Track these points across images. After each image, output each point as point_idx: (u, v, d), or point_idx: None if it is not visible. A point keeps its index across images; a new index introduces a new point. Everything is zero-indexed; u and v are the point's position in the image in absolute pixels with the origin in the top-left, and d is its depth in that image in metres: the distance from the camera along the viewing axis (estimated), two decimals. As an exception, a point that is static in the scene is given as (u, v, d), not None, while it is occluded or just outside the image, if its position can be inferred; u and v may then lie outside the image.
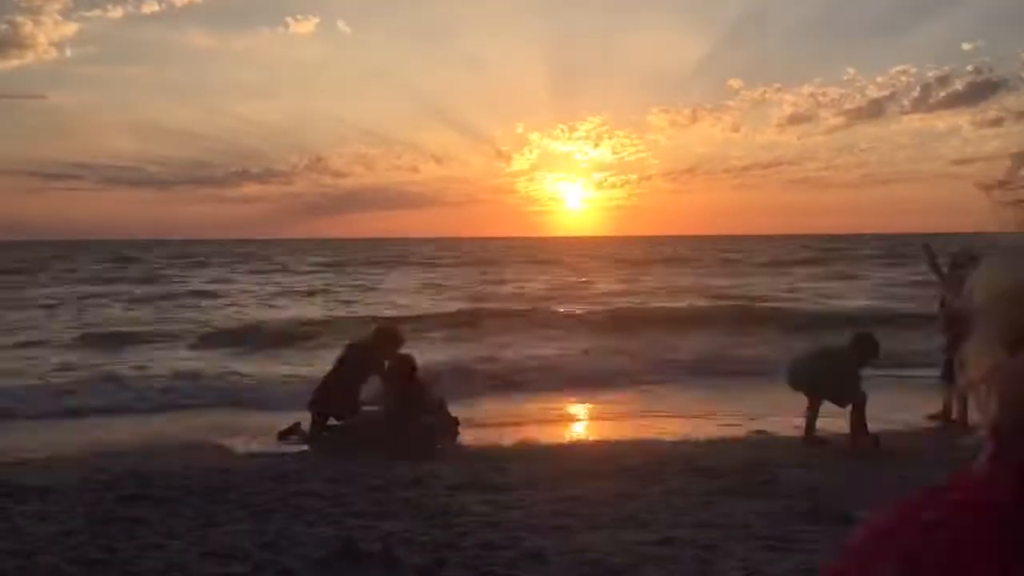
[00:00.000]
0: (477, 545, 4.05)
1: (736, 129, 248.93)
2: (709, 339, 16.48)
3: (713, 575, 3.63)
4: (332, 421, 7.36)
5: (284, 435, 7.41)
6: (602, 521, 4.51)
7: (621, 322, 18.99)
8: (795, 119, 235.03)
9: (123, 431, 8.03)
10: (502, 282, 31.98)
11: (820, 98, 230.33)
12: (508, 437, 7.35)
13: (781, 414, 8.98)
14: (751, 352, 14.20)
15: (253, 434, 7.77)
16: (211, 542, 4.17)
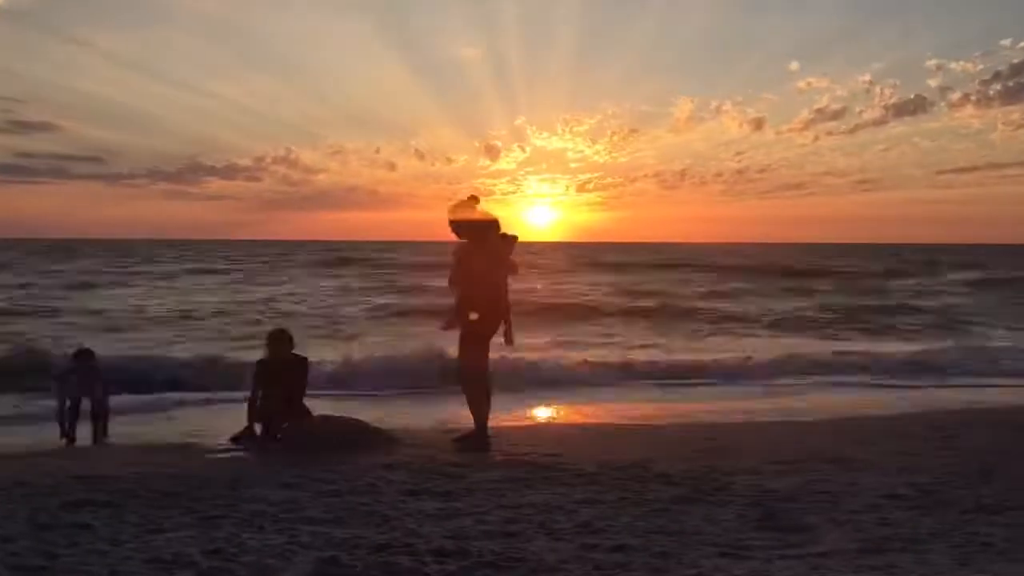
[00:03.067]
0: (430, 552, 4.01)
1: (758, 127, 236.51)
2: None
3: (665, 582, 3.63)
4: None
5: (236, 440, 7.30)
6: (556, 528, 4.49)
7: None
8: (823, 115, 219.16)
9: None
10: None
11: (869, 88, 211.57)
12: (463, 443, 7.30)
13: (732, 417, 9.06)
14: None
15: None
16: (156, 549, 4.08)
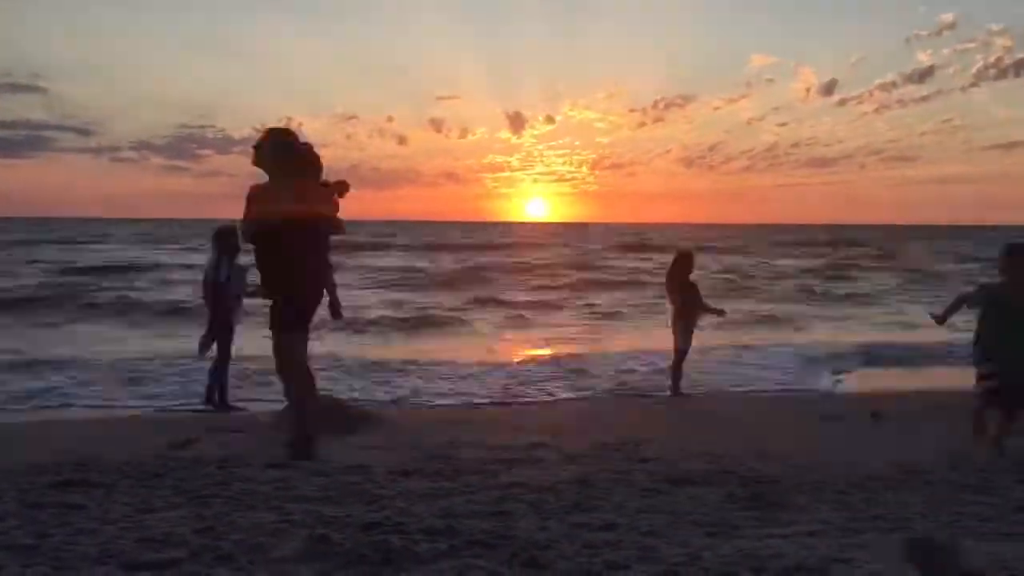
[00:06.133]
0: (420, 530, 4.02)
1: (828, 92, 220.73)
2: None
3: (654, 560, 3.64)
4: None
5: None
6: (547, 507, 4.51)
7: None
8: (908, 78, 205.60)
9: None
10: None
11: (988, 40, 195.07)
12: (453, 422, 7.33)
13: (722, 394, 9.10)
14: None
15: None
16: (147, 527, 4.08)
